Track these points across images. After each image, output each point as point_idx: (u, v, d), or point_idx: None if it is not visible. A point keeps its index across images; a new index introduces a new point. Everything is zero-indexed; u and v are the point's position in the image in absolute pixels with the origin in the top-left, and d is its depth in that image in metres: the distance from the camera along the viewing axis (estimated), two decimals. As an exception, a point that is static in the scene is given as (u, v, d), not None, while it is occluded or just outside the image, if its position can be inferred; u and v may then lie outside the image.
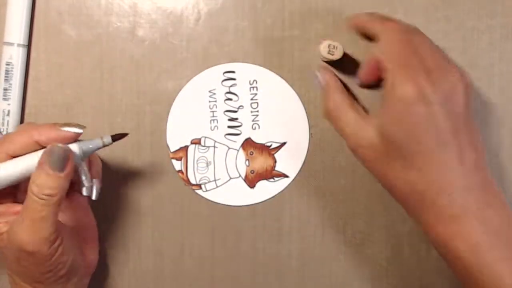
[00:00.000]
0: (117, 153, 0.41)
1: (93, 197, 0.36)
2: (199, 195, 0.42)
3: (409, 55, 0.34)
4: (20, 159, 0.34)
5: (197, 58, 0.41)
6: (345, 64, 0.41)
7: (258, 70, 0.41)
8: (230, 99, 0.41)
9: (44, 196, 0.32)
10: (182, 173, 0.41)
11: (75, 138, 0.34)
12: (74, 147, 0.34)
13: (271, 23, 0.41)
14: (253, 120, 0.41)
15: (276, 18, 0.41)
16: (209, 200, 0.42)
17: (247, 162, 0.41)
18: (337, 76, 0.39)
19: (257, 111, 0.41)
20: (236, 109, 0.41)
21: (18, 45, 0.40)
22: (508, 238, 0.32)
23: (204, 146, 0.41)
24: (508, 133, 0.42)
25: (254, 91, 0.41)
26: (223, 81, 0.41)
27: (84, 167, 0.35)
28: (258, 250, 0.42)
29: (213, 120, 0.41)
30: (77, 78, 0.41)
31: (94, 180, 0.36)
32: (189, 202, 0.42)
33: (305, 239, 0.42)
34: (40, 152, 0.34)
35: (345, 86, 0.40)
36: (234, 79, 0.41)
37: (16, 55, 0.40)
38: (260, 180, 0.41)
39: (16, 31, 0.40)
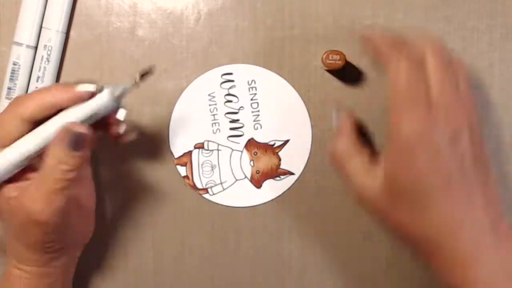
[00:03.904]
0: (117, 152, 0.41)
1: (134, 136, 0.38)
2: (204, 198, 0.42)
3: (413, 92, 0.33)
4: (37, 132, 0.34)
5: (197, 58, 0.41)
6: (347, 73, 0.41)
7: (256, 70, 0.41)
8: (230, 101, 0.41)
9: (60, 171, 0.32)
10: (188, 178, 0.41)
11: (89, 97, 0.34)
12: (105, 94, 0.34)
13: (271, 23, 0.41)
14: (254, 120, 0.41)
15: (276, 18, 0.41)
16: (216, 203, 0.42)
17: (251, 162, 0.41)
18: (354, 118, 0.38)
19: (258, 111, 0.41)
20: (236, 111, 0.41)
21: (27, 46, 0.40)
22: None
23: (208, 150, 0.41)
24: (508, 133, 0.41)
25: (253, 91, 0.41)
26: (221, 83, 0.41)
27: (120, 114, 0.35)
28: (258, 251, 0.42)
29: (215, 123, 0.41)
30: (77, 78, 0.41)
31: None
32: (193, 203, 0.42)
33: (306, 238, 0.42)
34: (56, 123, 0.33)
35: (360, 128, 0.39)
36: (232, 80, 0.41)
37: (23, 56, 0.40)
38: (266, 179, 0.42)
39: (27, 32, 0.40)
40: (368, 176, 0.35)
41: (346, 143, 0.37)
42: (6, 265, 0.36)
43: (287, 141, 0.41)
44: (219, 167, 0.41)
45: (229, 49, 0.41)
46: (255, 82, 0.41)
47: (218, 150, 0.41)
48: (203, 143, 0.41)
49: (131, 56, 0.41)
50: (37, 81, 0.40)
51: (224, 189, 0.42)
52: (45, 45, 0.40)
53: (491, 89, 0.41)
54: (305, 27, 0.41)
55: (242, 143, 0.41)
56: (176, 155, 0.41)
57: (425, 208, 0.32)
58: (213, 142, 0.41)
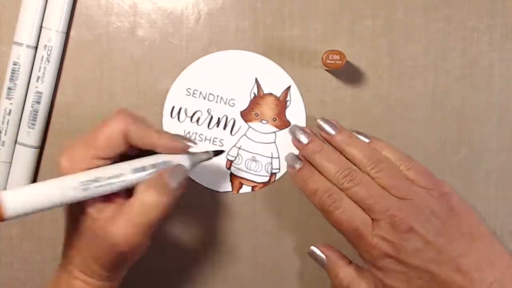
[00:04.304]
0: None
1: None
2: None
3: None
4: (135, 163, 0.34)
5: (197, 58, 0.41)
6: (347, 73, 0.41)
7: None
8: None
9: (157, 212, 0.33)
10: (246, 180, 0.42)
11: (185, 150, 0.35)
12: (185, 158, 0.34)
13: (271, 23, 0.41)
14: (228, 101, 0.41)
15: (276, 18, 0.41)
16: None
17: (262, 121, 0.41)
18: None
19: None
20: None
21: (27, 46, 0.40)
22: None
23: (236, 154, 0.41)
24: (508, 133, 0.42)
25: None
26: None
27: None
28: (258, 251, 0.42)
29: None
30: (77, 78, 0.41)
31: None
32: (191, 196, 0.42)
33: (306, 237, 0.42)
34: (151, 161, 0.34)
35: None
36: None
37: (24, 56, 0.40)
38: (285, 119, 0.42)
39: (27, 32, 0.40)
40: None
41: (347, 271, 0.38)
42: (60, 272, 0.35)
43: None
44: (254, 154, 0.41)
45: (229, 49, 0.41)
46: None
47: (236, 147, 0.41)
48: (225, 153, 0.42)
49: (131, 56, 0.41)
50: (37, 81, 0.40)
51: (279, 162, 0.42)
52: (45, 45, 0.40)
53: (491, 89, 0.41)
54: (305, 27, 0.41)
55: (240, 123, 0.41)
56: None
57: None
58: (237, 147, 0.41)
